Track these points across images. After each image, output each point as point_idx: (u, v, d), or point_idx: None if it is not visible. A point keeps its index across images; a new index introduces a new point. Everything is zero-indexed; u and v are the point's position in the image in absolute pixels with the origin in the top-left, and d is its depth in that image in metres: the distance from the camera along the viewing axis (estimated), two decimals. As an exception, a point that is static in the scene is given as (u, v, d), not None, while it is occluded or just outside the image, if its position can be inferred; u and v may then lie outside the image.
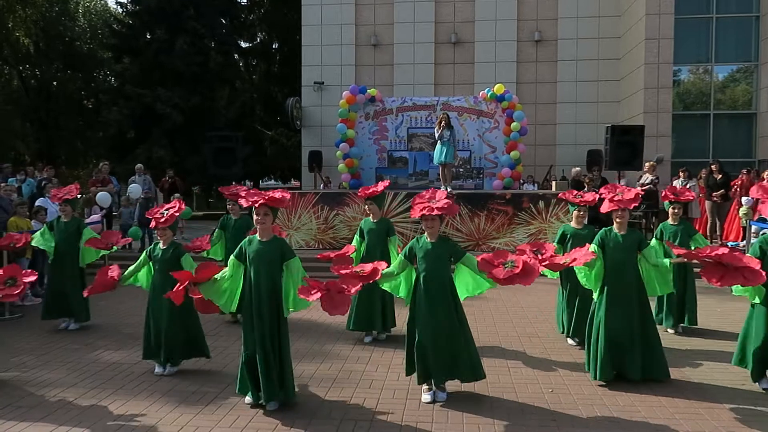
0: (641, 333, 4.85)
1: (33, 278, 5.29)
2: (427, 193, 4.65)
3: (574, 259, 4.86)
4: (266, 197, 4.31)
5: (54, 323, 6.93)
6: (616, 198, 4.90)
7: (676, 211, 6.38)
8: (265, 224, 4.36)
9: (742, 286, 4.48)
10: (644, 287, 4.97)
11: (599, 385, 4.82)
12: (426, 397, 4.53)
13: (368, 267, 4.57)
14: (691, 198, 6.53)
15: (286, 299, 4.31)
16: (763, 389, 4.72)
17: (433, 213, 4.41)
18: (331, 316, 4.28)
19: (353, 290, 4.22)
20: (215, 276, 4.42)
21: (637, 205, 4.94)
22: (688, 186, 10.83)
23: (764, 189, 4.81)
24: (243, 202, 4.50)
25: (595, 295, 5.06)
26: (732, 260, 4.37)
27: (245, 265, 4.39)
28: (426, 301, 4.46)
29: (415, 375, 4.58)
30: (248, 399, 4.45)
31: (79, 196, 7.51)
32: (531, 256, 4.68)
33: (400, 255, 4.70)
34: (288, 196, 4.45)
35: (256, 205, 4.31)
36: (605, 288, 4.93)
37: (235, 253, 4.46)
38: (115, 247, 6.86)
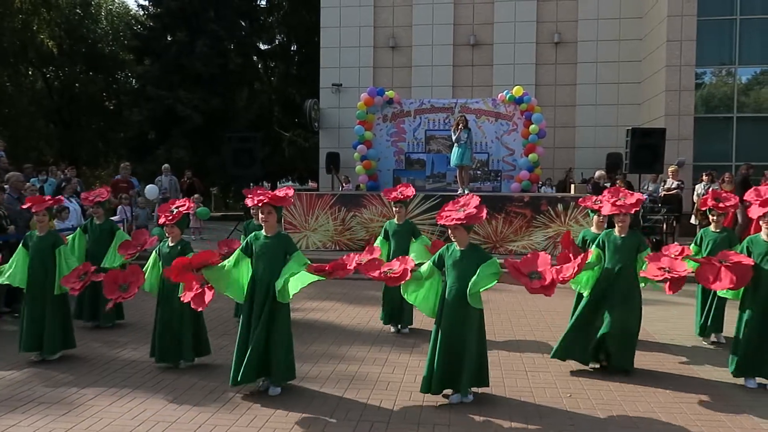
0: (620, 327, 5.04)
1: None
2: (462, 198, 4.53)
3: (579, 265, 4.72)
4: (269, 196, 4.62)
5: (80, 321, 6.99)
6: (618, 203, 5.03)
7: (715, 218, 6.09)
8: (269, 221, 4.66)
9: (732, 289, 4.60)
10: (638, 287, 5.16)
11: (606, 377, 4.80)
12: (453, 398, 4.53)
13: (397, 267, 4.55)
14: (734, 209, 6.17)
15: (279, 285, 4.48)
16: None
17: (452, 223, 4.33)
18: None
19: (350, 267, 4.55)
20: (221, 264, 4.68)
21: (637, 209, 5.07)
22: (710, 190, 10.50)
23: (757, 192, 4.92)
24: (248, 201, 4.82)
25: (584, 293, 5.26)
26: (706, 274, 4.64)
27: (251, 258, 4.67)
28: (451, 312, 4.38)
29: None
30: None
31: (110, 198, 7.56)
32: (553, 273, 4.35)
33: (428, 261, 4.64)
34: (291, 192, 4.71)
35: (261, 203, 4.62)
36: (599, 286, 5.13)
37: (241, 246, 4.77)
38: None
